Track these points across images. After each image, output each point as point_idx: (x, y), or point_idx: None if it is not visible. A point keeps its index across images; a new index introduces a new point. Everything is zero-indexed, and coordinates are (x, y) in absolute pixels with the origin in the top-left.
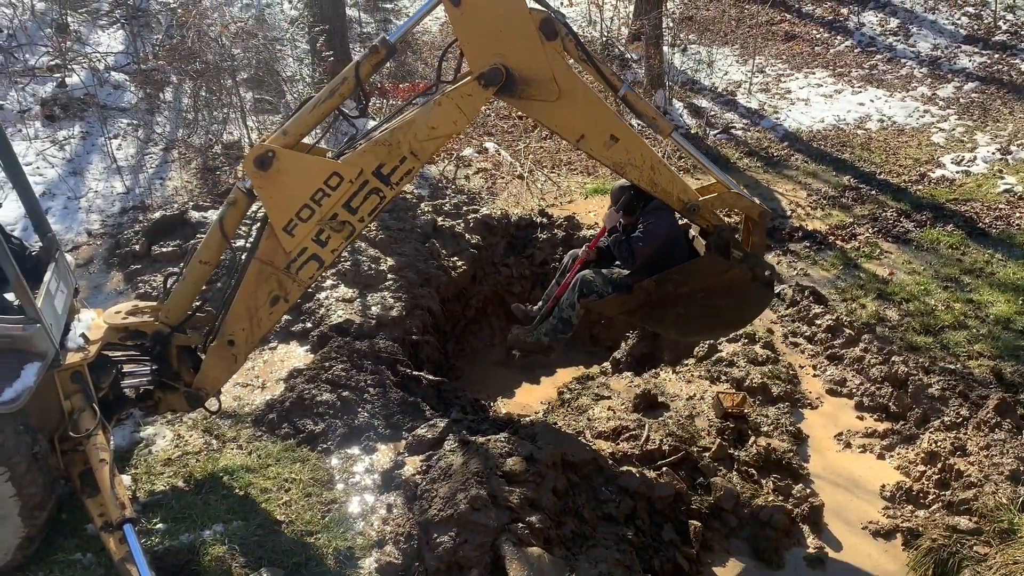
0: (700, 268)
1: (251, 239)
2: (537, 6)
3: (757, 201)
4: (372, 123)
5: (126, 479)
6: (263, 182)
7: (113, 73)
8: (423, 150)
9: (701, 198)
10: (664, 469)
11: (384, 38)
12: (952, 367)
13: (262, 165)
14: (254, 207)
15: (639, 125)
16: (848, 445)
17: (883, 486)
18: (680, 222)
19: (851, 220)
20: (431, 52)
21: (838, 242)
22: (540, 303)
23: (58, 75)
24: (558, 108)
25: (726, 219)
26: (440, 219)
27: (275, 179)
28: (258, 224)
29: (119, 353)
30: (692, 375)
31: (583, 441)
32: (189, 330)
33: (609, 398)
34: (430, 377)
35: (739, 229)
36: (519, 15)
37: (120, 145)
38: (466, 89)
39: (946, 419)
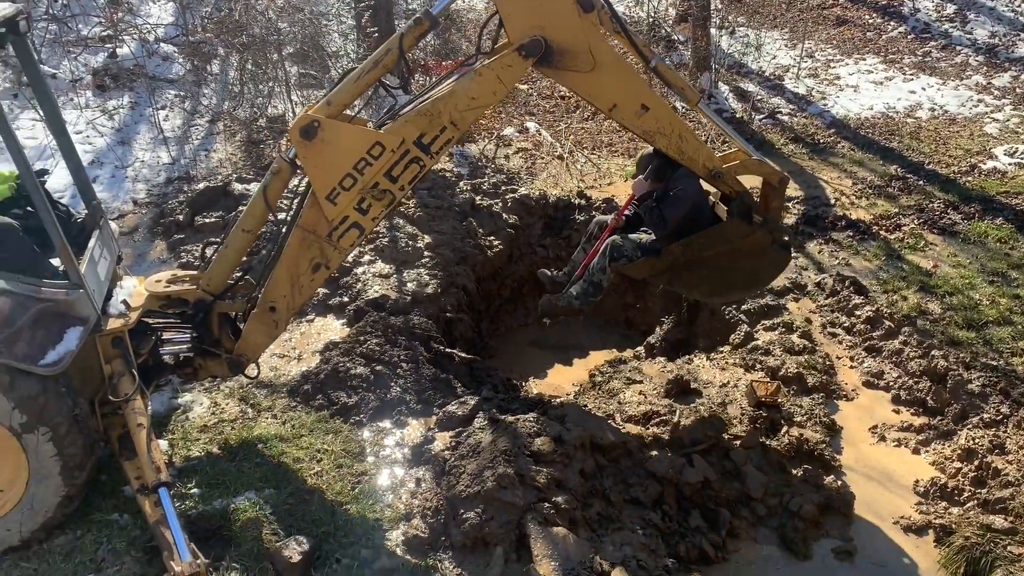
0: (725, 232)
1: (291, 209)
2: None
3: (777, 167)
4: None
5: (163, 444)
6: (307, 151)
7: (162, 45)
8: (463, 120)
9: (725, 165)
10: (694, 455)
11: (428, 10)
12: (994, 363)
13: (307, 135)
14: (295, 179)
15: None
16: (883, 438)
17: (917, 481)
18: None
19: (896, 210)
20: (475, 29)
21: (882, 232)
22: (566, 269)
23: (109, 46)
24: (592, 78)
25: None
26: (478, 198)
27: (319, 149)
28: (299, 195)
29: (159, 320)
30: (726, 362)
31: (613, 424)
32: (230, 298)
33: (641, 382)
34: (463, 355)
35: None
36: None
37: (167, 116)
38: (506, 60)
39: (985, 416)
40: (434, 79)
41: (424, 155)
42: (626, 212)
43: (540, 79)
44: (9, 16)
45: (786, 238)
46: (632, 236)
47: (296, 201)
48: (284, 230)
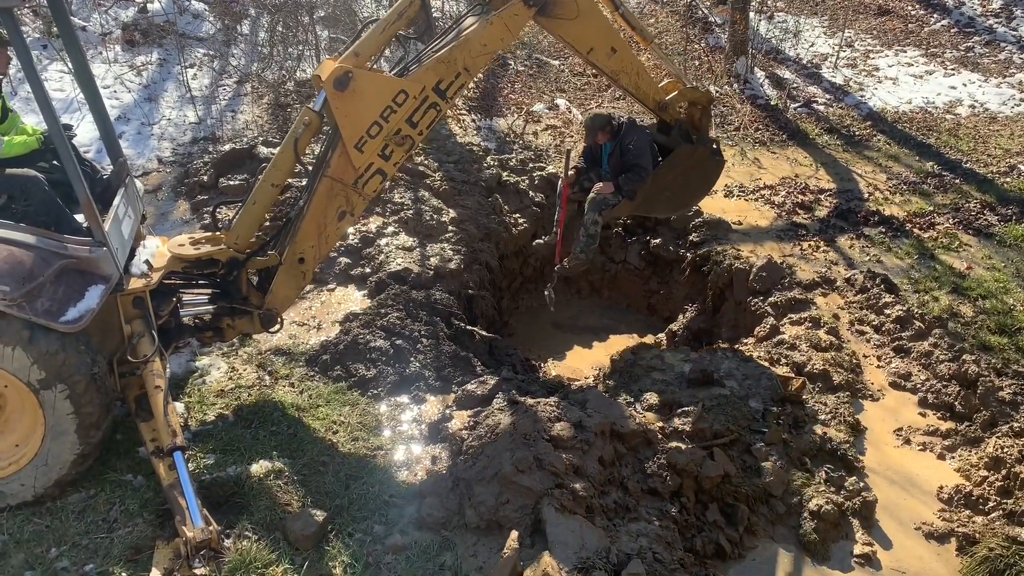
0: (679, 157)
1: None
2: None
3: (704, 89)
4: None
5: (179, 407)
6: (340, 102)
7: (194, 2)
8: (475, 65)
9: (667, 96)
10: (714, 449)
11: None
12: None
13: (341, 85)
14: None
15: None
16: (908, 441)
17: (941, 487)
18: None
19: (931, 208)
20: None
21: (915, 230)
22: (553, 232)
23: (140, 1)
24: (576, 24)
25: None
26: (505, 174)
27: (350, 99)
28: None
29: (180, 282)
30: (751, 355)
31: (634, 412)
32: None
33: (663, 371)
34: (484, 333)
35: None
36: None
37: (195, 75)
38: (513, 9)
39: (1016, 425)
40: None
41: (441, 100)
42: (577, 165)
43: (570, 56)
44: None
45: (715, 146)
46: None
47: (320, 153)
48: (308, 181)
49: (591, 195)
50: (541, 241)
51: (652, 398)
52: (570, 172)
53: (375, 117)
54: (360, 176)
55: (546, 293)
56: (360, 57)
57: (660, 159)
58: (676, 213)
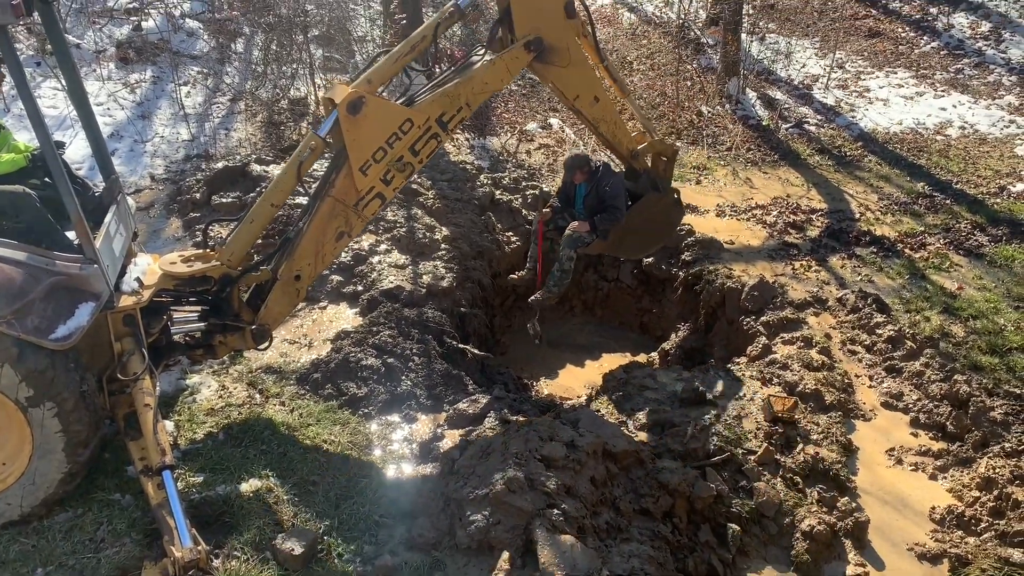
0: (646, 203)
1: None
2: None
3: (670, 141)
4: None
5: (169, 425)
6: (350, 125)
7: (188, 20)
8: (475, 101)
9: (638, 146)
10: (707, 469)
11: (457, 3)
12: (1017, 391)
13: (354, 109)
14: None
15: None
16: (899, 462)
17: (933, 508)
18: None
19: (922, 229)
20: None
21: (906, 250)
22: (527, 266)
23: (135, 18)
24: (566, 73)
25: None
26: (498, 192)
27: (360, 123)
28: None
29: (170, 299)
30: (743, 374)
31: (626, 432)
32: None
33: (655, 390)
34: (476, 351)
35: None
36: None
37: (189, 92)
38: (514, 53)
39: (1007, 445)
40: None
41: (442, 131)
42: (553, 204)
43: None
44: None
45: (676, 195)
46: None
47: (325, 174)
48: (309, 201)
49: (567, 232)
50: (516, 276)
51: (644, 417)
52: (545, 210)
53: (381, 143)
54: (361, 198)
55: (529, 327)
56: (372, 84)
57: (630, 203)
58: (641, 255)
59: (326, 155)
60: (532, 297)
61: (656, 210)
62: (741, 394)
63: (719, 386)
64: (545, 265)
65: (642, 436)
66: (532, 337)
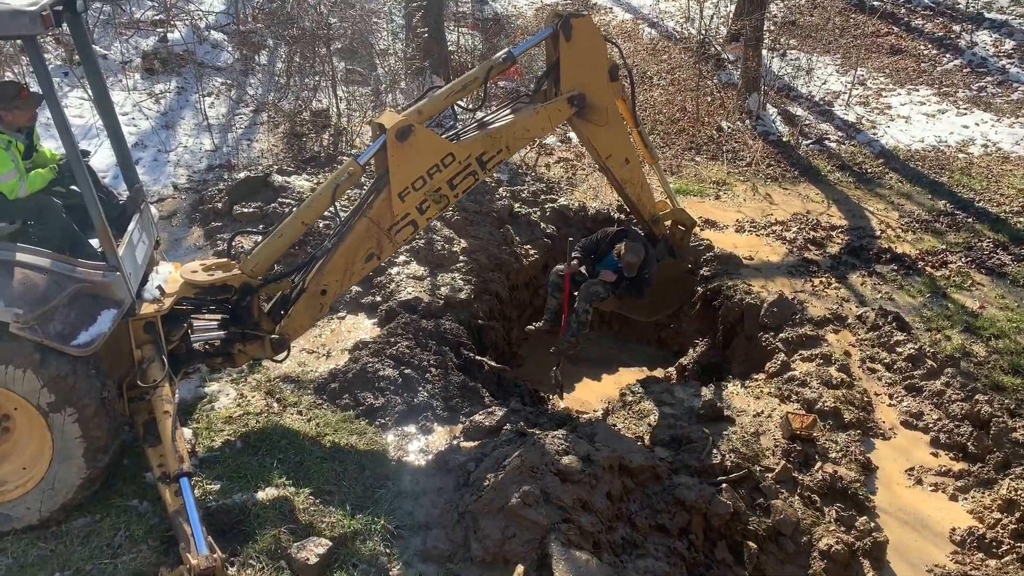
0: (663, 268)
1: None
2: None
3: (691, 215)
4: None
5: (187, 433)
6: (396, 151)
7: (213, 32)
8: (515, 145)
9: (660, 212)
10: (724, 485)
11: (510, 51)
12: None
13: (403, 136)
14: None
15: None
16: (919, 482)
17: (953, 529)
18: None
19: (943, 247)
20: (522, 35)
21: (927, 268)
22: (546, 316)
23: (161, 30)
24: (603, 131)
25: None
26: (517, 205)
27: (407, 150)
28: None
29: (191, 307)
30: (761, 391)
31: (642, 447)
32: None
33: (672, 405)
34: (492, 364)
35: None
36: (601, 56)
37: (212, 103)
38: (558, 105)
39: None
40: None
41: (480, 170)
42: (577, 255)
43: None
44: None
45: (689, 265)
46: (596, 280)
47: (365, 195)
48: (344, 220)
49: (583, 286)
50: (533, 327)
51: (661, 432)
52: (572, 262)
53: (422, 172)
54: (395, 223)
55: (552, 373)
56: (422, 115)
57: None
58: (652, 318)
59: (363, 183)
60: (552, 348)
61: (671, 276)
62: (759, 411)
63: (737, 402)
64: (566, 313)
65: (659, 451)
66: (554, 386)
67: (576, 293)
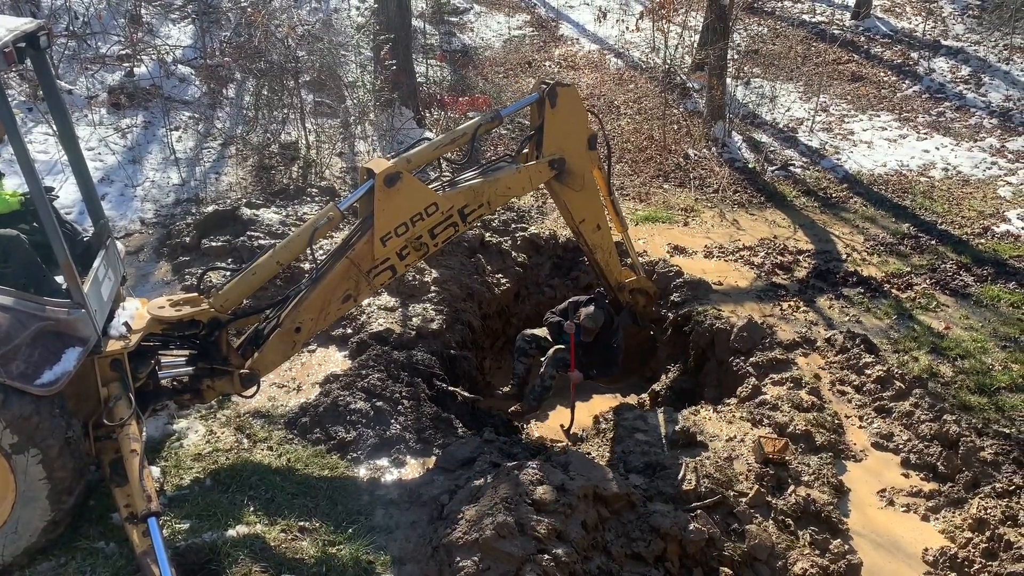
0: (626, 335)
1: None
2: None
3: (651, 283)
4: (428, 136)
5: (155, 471)
6: (383, 196)
7: (180, 66)
8: (496, 201)
9: (626, 279)
10: (698, 512)
11: (498, 111)
12: (1007, 431)
13: (391, 182)
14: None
15: None
16: (891, 503)
17: (926, 550)
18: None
19: (908, 269)
20: (491, 68)
21: (893, 291)
22: (512, 381)
23: (127, 64)
24: (579, 197)
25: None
26: (488, 235)
27: (393, 196)
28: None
29: (158, 343)
30: (733, 416)
31: (616, 475)
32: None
33: (646, 431)
34: (465, 394)
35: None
36: (582, 125)
37: (180, 137)
38: (539, 167)
39: (998, 485)
40: (449, 114)
41: (461, 222)
42: (550, 319)
43: None
44: (30, 32)
45: (652, 332)
46: (564, 347)
47: (348, 236)
48: (324, 260)
49: (549, 353)
50: (501, 392)
51: (635, 460)
52: (575, 322)
53: (405, 219)
54: (375, 266)
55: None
56: (411, 164)
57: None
58: (612, 384)
59: (342, 227)
60: (512, 408)
61: (635, 342)
62: (732, 435)
63: (709, 428)
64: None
65: (634, 478)
66: (565, 431)
67: (543, 359)
